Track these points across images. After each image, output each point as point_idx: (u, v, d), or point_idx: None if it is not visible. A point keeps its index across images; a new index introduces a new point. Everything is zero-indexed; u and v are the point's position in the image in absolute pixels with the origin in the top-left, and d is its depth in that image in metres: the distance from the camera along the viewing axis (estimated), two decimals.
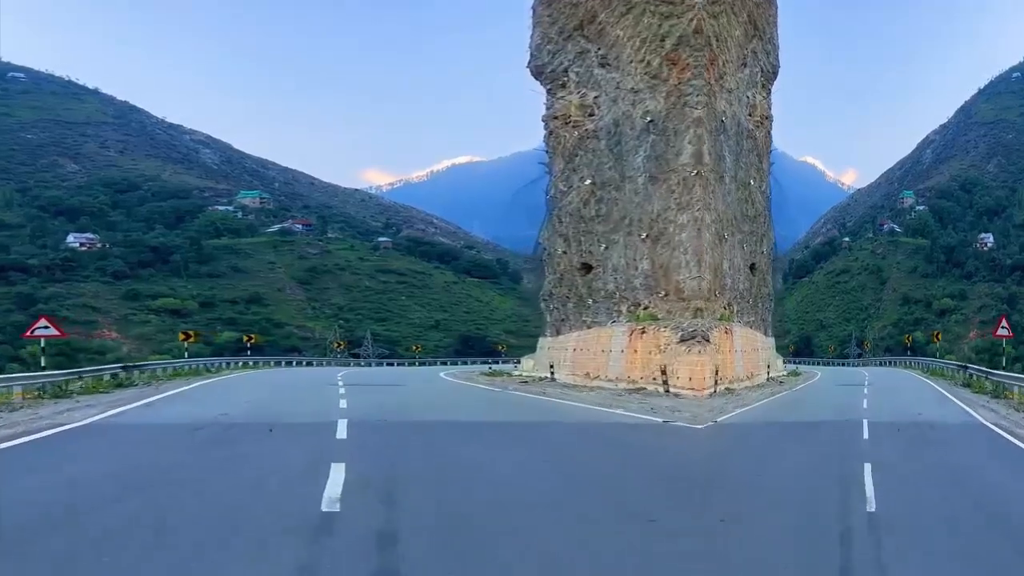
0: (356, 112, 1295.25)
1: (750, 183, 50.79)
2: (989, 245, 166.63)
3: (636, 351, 39.93)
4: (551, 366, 47.18)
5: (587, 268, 48.98)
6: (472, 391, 38.97)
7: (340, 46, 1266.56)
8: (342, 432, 19.17)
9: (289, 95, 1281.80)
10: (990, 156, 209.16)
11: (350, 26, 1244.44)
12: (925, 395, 37.36)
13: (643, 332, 40.07)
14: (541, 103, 53.62)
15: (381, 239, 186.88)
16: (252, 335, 78.13)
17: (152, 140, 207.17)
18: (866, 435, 20.41)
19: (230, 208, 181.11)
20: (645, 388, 36.16)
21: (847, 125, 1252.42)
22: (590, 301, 48.47)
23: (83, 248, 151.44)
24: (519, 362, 63.92)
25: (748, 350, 46.17)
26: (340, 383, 40.99)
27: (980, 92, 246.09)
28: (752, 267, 51.83)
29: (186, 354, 59.95)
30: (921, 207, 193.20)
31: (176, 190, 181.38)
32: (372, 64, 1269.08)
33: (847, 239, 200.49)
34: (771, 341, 58.07)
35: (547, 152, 53.17)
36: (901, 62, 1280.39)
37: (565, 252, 50.57)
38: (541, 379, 46.43)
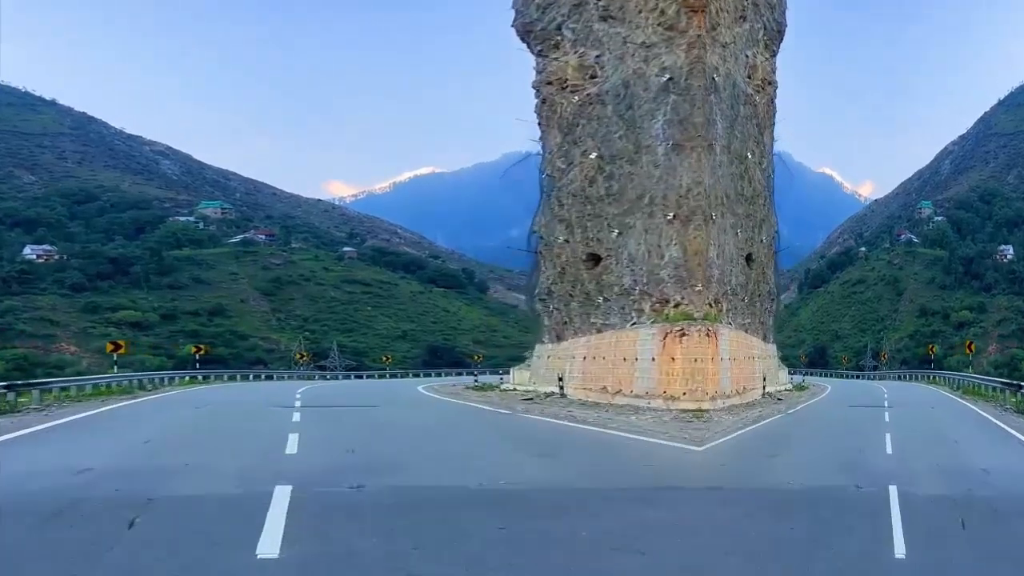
0: (318, 123, 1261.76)
1: (747, 156, 40.08)
2: (1009, 257, 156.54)
3: (674, 359, 29.78)
4: (560, 379, 36.78)
5: (595, 259, 38.67)
6: (474, 415, 28.24)
7: (301, 59, 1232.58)
8: (275, 529, 8.90)
9: (250, 107, 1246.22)
10: (1010, 167, 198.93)
11: (310, 39, 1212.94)
12: (973, 428, 25.15)
13: (682, 335, 29.94)
14: (530, 67, 43.38)
15: (346, 249, 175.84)
16: (202, 346, 66.57)
17: (111, 151, 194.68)
18: (900, 546, 8.86)
19: (191, 219, 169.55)
20: (708, 409, 26.03)
21: (865, 136, 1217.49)
22: (600, 299, 38.15)
23: (40, 260, 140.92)
24: (505, 374, 54.07)
25: (740, 358, 35.57)
26: (297, 404, 30.51)
27: (1000, 103, 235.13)
28: (748, 258, 41.17)
29: (115, 368, 49.12)
30: (939, 218, 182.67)
31: (136, 201, 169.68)
32: (333, 76, 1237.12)
33: (863, 249, 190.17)
34: (772, 348, 47.37)
35: (539, 124, 42.80)
36: (920, 73, 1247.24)
37: (567, 241, 40.14)
38: (547, 395, 36.13)
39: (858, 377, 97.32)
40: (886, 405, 34.48)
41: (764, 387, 38.88)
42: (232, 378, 64.55)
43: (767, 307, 46.23)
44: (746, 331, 39.50)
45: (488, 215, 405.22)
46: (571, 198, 39.47)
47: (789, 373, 66.04)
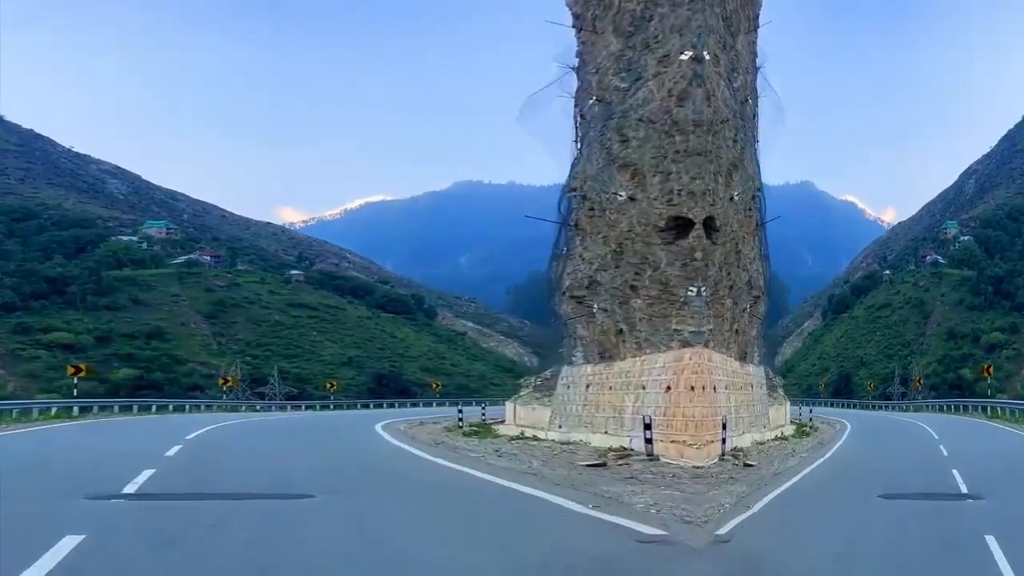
0: (270, 149, 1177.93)
1: (702, 56, 21.97)
2: None
3: None
4: (647, 426, 18.54)
5: (684, 226, 20.96)
6: (544, 532, 9.79)
7: (254, 86, 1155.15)
8: None
9: (203, 131, 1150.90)
10: None
11: (263, 66, 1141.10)
12: None
13: None
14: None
15: (293, 272, 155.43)
16: (81, 366, 46.04)
17: (56, 169, 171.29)
18: None
19: (134, 238, 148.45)
20: None
21: (887, 162, 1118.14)
22: (689, 291, 20.45)
23: None
24: (487, 406, 36.81)
25: (684, 390, 18.73)
26: (132, 486, 12.30)
27: None
28: (709, 224, 22.64)
29: None
30: (965, 237, 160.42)
31: (78, 219, 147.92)
32: (286, 103, 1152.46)
33: (888, 272, 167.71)
34: (758, 373, 28.23)
35: (579, 30, 25.08)
36: (940, 95, 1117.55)
37: (633, 199, 22.12)
38: (620, 454, 18.25)
39: (885, 408, 78.46)
40: (963, 490, 14.61)
41: (725, 441, 19.94)
42: (128, 409, 45.09)
43: (745, 307, 26.08)
44: (705, 345, 21.02)
45: (438, 243, 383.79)
46: (644, 128, 21.61)
47: (802, 404, 49.40)
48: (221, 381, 69.80)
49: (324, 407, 68.82)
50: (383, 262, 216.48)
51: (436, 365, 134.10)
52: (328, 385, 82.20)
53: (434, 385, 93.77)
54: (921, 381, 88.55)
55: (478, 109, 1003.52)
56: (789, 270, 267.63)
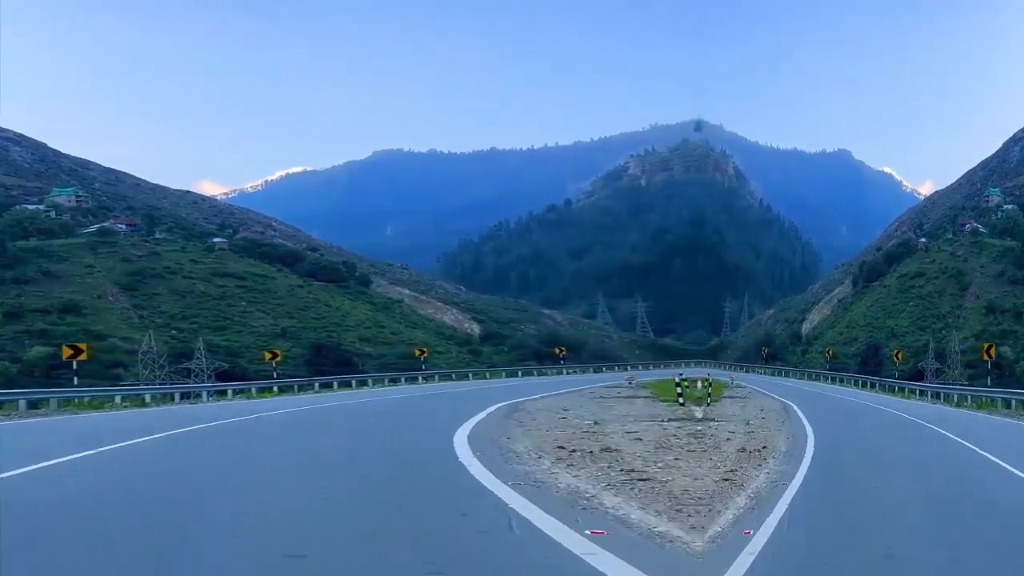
0: (186, 123, 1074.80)
1: None
2: None
3: None
4: None
5: None
6: None
7: (166, 57, 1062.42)
8: None
9: (117, 104, 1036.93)
10: None
11: (173, 40, 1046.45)
12: None
13: None
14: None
15: (216, 240, 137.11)
16: None
17: None
18: None
19: (41, 207, 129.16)
20: None
21: (927, 134, 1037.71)
22: None
23: None
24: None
25: None
26: None
27: None
28: None
29: None
30: (1009, 206, 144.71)
31: None
32: (198, 76, 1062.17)
33: (923, 240, 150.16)
34: None
35: None
36: (986, 68, 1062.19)
37: None
38: None
39: (917, 393, 52.54)
40: None
41: None
42: None
43: None
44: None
45: (362, 214, 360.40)
46: None
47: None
48: (66, 353, 41.41)
49: (264, 391, 47.99)
50: (309, 231, 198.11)
51: (375, 334, 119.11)
52: (268, 356, 64.81)
53: (417, 352, 76.95)
54: (992, 352, 57.11)
55: (395, 76, 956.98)
56: (822, 239, 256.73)
